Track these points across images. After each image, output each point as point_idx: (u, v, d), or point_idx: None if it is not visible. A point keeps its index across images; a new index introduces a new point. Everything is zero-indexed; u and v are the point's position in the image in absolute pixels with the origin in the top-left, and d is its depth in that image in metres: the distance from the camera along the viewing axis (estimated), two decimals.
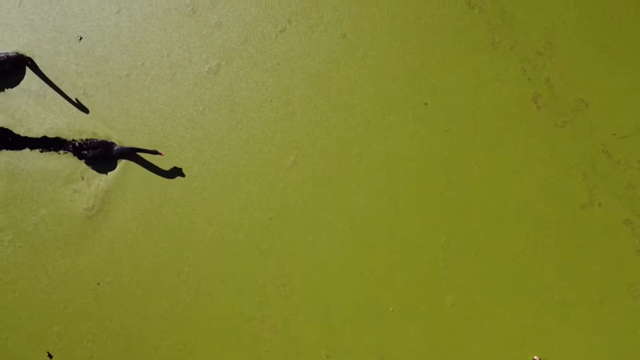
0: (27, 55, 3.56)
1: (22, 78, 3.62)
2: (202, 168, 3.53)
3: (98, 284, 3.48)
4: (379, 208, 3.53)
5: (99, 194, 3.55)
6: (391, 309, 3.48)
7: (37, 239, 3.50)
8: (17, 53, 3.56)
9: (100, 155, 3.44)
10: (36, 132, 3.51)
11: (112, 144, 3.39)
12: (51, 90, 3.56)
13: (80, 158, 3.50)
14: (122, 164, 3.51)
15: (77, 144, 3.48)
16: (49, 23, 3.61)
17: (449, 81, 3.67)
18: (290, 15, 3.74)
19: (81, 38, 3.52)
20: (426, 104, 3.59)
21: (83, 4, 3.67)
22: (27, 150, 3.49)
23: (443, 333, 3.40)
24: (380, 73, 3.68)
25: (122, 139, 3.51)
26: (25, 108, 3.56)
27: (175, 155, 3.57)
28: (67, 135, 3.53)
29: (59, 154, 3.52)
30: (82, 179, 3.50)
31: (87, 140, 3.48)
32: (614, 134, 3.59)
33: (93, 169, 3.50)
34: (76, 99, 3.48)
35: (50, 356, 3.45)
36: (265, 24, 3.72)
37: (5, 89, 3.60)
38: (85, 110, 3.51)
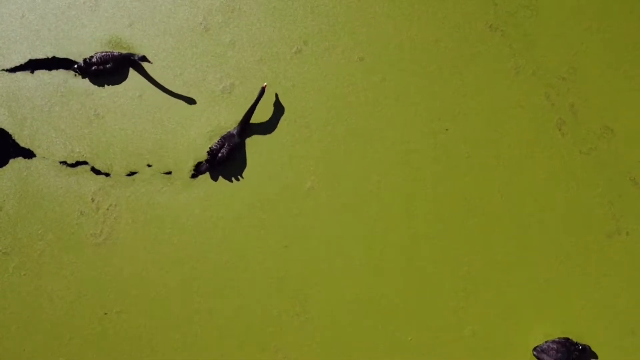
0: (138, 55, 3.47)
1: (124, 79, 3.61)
2: (215, 194, 3.54)
3: (105, 314, 3.38)
4: (397, 236, 3.41)
5: (107, 219, 3.49)
6: (409, 338, 3.39)
7: (42, 267, 3.42)
8: (125, 53, 3.49)
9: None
10: None
11: None
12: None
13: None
14: (132, 190, 3.48)
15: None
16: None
17: (469, 107, 3.61)
18: (306, 37, 3.69)
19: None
20: (447, 129, 3.55)
21: (95, 19, 3.66)
22: (40, 161, 3.39)
23: None
24: (399, 98, 3.61)
25: (134, 162, 3.47)
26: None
27: (188, 178, 3.54)
28: None
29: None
30: (92, 200, 3.45)
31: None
32: None
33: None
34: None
35: None
36: (280, 44, 3.66)
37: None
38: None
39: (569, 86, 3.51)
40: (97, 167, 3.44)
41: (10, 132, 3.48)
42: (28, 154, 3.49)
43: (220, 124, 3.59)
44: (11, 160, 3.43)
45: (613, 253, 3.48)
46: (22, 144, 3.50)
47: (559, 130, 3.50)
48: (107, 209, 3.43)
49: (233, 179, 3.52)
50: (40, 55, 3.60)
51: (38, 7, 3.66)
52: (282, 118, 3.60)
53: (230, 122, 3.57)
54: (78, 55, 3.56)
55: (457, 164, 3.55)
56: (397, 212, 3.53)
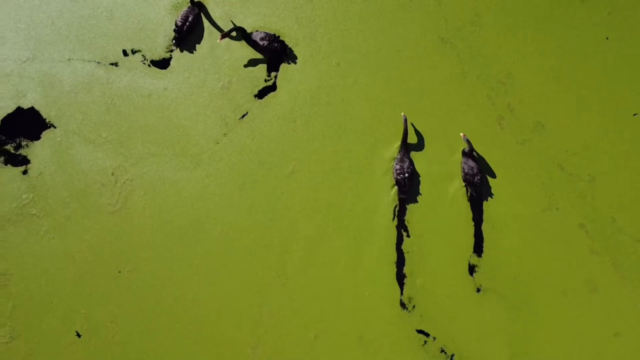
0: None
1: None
2: (213, 175, 4.13)
3: (119, 272, 4.01)
4: (365, 208, 4.05)
5: (123, 191, 4.13)
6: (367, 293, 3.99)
7: (67, 231, 4.03)
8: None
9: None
10: None
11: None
12: None
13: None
14: (146, 168, 4.18)
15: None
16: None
17: (425, 104, 4.30)
18: (293, 43, 4.41)
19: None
20: (411, 124, 4.27)
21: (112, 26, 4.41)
22: (68, 137, 4.08)
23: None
24: (367, 97, 4.31)
25: (148, 145, 4.19)
26: None
27: (191, 163, 4.25)
28: None
29: None
30: (112, 174, 4.11)
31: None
32: (566, 151, 4.19)
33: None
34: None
35: (78, 335, 3.98)
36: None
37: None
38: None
39: (506, 89, 4.20)
40: (118, 146, 4.11)
41: (41, 112, 4.18)
42: (58, 131, 4.18)
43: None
44: (44, 135, 4.12)
45: (547, 225, 4.13)
46: (52, 122, 4.19)
47: (499, 124, 4.17)
48: (124, 183, 4.09)
49: (226, 162, 4.20)
50: (68, 54, 4.33)
51: (65, 15, 4.45)
52: (274, 113, 4.30)
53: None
54: (101, 56, 4.31)
55: (415, 148, 4.25)
56: (365, 189, 4.16)
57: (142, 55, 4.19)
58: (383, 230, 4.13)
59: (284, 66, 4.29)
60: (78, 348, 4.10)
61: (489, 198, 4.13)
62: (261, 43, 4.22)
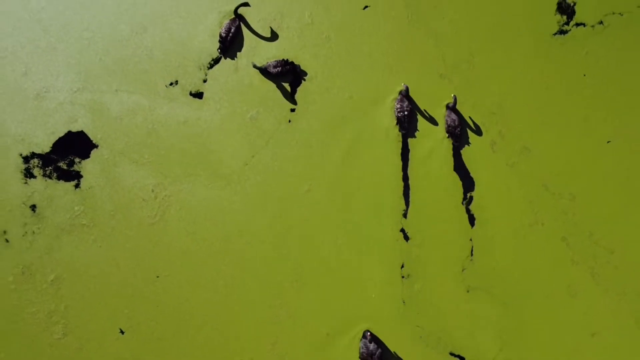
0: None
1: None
2: (240, 194, 4.59)
3: (157, 277, 4.51)
4: (371, 223, 4.57)
5: (161, 206, 4.65)
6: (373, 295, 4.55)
7: (113, 240, 4.55)
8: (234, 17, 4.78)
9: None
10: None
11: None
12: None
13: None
14: (182, 186, 4.68)
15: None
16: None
17: (430, 129, 4.88)
18: (311, 77, 4.95)
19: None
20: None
21: (153, 63, 5.06)
22: (114, 157, 4.58)
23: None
24: (375, 126, 4.87)
25: (180, 175, 4.68)
26: None
27: (221, 183, 4.65)
28: None
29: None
30: (152, 191, 4.66)
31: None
32: (550, 172, 4.73)
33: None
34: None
35: (122, 332, 4.46)
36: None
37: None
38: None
39: (497, 118, 4.73)
40: (158, 166, 4.59)
41: (90, 135, 4.64)
42: (105, 151, 4.64)
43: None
44: (93, 154, 4.57)
45: (533, 237, 4.64)
46: (100, 144, 4.65)
47: (491, 149, 4.70)
48: (163, 198, 4.59)
49: (251, 181, 4.73)
50: (115, 86, 4.77)
51: (111, 52, 4.96)
52: (294, 138, 4.81)
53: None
54: (143, 88, 4.81)
55: (415, 167, 4.79)
56: (371, 199, 4.62)
57: (180, 87, 4.73)
58: (387, 242, 4.73)
59: (302, 98, 4.82)
60: (122, 343, 4.61)
61: (482, 212, 4.71)
62: (274, 71, 4.74)
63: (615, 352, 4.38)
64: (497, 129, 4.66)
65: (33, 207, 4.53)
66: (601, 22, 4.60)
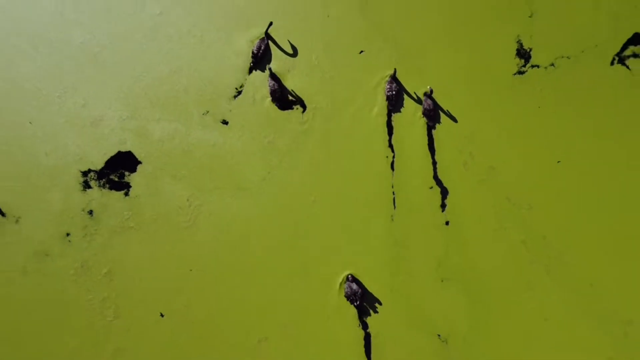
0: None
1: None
2: (258, 204, 5.51)
3: (190, 270, 5.45)
4: (372, 218, 5.59)
5: (194, 212, 5.60)
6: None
7: (155, 241, 5.47)
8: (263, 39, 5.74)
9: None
10: None
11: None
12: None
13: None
14: (213, 197, 5.64)
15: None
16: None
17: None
18: (314, 106, 5.94)
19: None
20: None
21: (189, 97, 6.07)
22: (156, 171, 5.54)
23: None
24: (371, 147, 5.86)
25: (210, 187, 5.70)
26: None
27: (243, 195, 5.63)
28: None
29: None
30: (187, 200, 5.60)
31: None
32: (512, 187, 5.66)
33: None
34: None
35: (162, 315, 5.40)
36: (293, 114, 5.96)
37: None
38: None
39: (469, 142, 5.59)
40: (192, 180, 5.50)
41: (136, 154, 5.56)
42: (149, 167, 5.57)
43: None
44: (139, 169, 5.51)
45: (497, 240, 5.56)
46: (144, 161, 5.59)
47: (464, 167, 5.64)
48: (195, 207, 5.53)
49: (265, 195, 5.68)
50: (157, 115, 5.66)
51: (154, 88, 5.92)
52: (303, 158, 5.74)
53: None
54: (180, 117, 5.68)
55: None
56: (372, 208, 5.51)
57: (210, 116, 5.69)
58: (377, 244, 5.72)
59: (310, 124, 5.78)
60: (162, 325, 5.52)
61: (456, 218, 5.65)
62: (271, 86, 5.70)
63: (564, 333, 5.27)
64: (468, 151, 5.58)
65: (90, 212, 5.49)
66: (552, 64, 5.55)
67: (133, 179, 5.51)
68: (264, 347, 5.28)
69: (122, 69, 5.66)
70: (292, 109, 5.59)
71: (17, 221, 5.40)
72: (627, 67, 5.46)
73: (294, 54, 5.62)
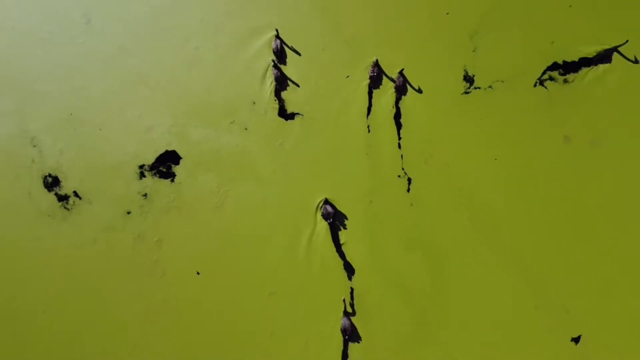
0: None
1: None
2: (271, 191, 7.28)
3: (220, 240, 7.17)
4: (355, 201, 7.37)
5: (222, 197, 7.28)
6: None
7: (191, 216, 7.10)
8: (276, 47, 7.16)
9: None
10: None
11: None
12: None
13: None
14: (238, 184, 7.41)
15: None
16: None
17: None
18: (316, 118, 7.71)
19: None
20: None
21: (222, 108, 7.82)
22: (201, 167, 7.40)
23: None
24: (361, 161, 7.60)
25: (234, 177, 7.48)
26: None
27: (257, 183, 7.43)
28: None
29: None
30: (217, 187, 7.27)
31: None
32: (462, 179, 7.40)
33: None
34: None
35: (198, 273, 6.97)
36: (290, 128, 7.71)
37: None
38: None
39: (428, 145, 7.40)
40: (221, 171, 7.03)
41: (180, 152, 7.19)
42: (189, 162, 7.20)
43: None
44: (181, 163, 7.09)
45: (450, 221, 7.27)
46: (185, 157, 7.29)
47: (425, 163, 7.31)
48: (223, 192, 7.22)
49: (281, 184, 7.37)
50: (194, 123, 7.56)
51: (193, 102, 7.75)
52: (303, 156, 7.51)
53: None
54: (213, 125, 7.54)
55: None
56: (353, 198, 7.37)
57: (236, 124, 7.39)
58: (360, 213, 7.37)
59: (308, 131, 7.54)
60: (199, 281, 6.58)
61: (418, 203, 7.36)
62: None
63: (513, 321, 6.65)
64: (428, 152, 7.19)
65: (145, 195, 7.07)
66: (490, 87, 7.12)
67: (177, 170, 7.16)
68: (274, 299, 6.96)
69: (167, 88, 7.38)
70: (294, 119, 7.32)
71: (90, 202, 7.11)
72: (545, 87, 7.13)
73: (299, 54, 7.28)
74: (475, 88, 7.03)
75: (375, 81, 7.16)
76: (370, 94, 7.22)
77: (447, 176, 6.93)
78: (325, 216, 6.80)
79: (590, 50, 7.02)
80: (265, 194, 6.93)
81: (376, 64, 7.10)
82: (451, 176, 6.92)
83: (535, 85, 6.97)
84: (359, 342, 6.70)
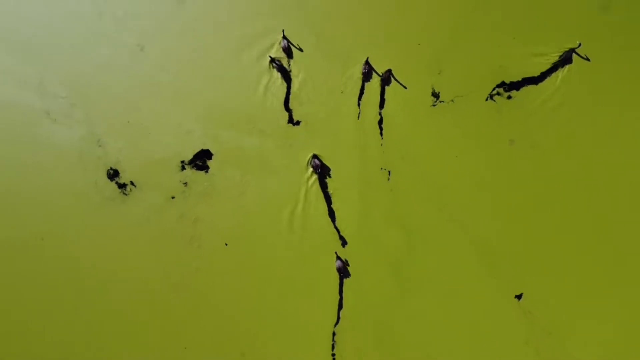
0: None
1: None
2: (285, 180, 9.37)
3: (246, 212, 9.14)
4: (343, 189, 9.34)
5: (244, 185, 9.26)
6: None
7: (221, 200, 9.05)
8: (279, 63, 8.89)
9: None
10: None
11: None
12: None
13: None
14: (254, 178, 9.43)
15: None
16: None
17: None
18: (320, 118, 9.72)
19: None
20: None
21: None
22: (230, 164, 9.44)
23: None
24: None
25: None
26: None
27: (274, 176, 9.47)
28: None
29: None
30: (240, 178, 9.23)
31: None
32: (427, 173, 9.41)
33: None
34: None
35: (226, 244, 9.05)
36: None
37: None
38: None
39: (399, 151, 9.43)
40: (243, 166, 9.32)
41: (211, 149, 9.16)
42: (220, 156, 9.37)
43: None
44: (213, 158, 9.21)
45: (421, 203, 9.27)
46: (215, 154, 9.41)
47: (402, 159, 9.34)
48: (245, 182, 9.05)
49: (291, 173, 9.39)
50: (223, 129, 9.60)
51: (221, 114, 9.78)
52: (306, 154, 9.53)
53: None
54: (236, 130, 9.59)
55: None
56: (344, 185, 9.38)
57: (256, 130, 9.43)
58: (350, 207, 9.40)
59: (309, 136, 9.56)
60: (227, 251, 9.03)
61: (397, 188, 9.36)
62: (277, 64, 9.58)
63: (466, 280, 8.65)
64: (405, 150, 9.32)
65: (185, 184, 8.94)
66: (452, 100, 9.01)
67: (210, 164, 9.00)
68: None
69: (202, 101, 9.36)
70: (299, 125, 9.34)
71: (142, 190, 9.05)
72: (494, 101, 9.16)
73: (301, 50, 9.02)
74: (440, 102, 9.02)
75: (366, 76, 8.93)
76: (362, 85, 9.15)
77: (419, 169, 8.94)
78: (315, 167, 8.60)
79: (534, 71, 9.06)
80: (278, 184, 8.94)
81: (367, 63, 8.86)
82: (422, 169, 8.94)
83: (486, 100, 8.99)
84: (349, 278, 8.75)
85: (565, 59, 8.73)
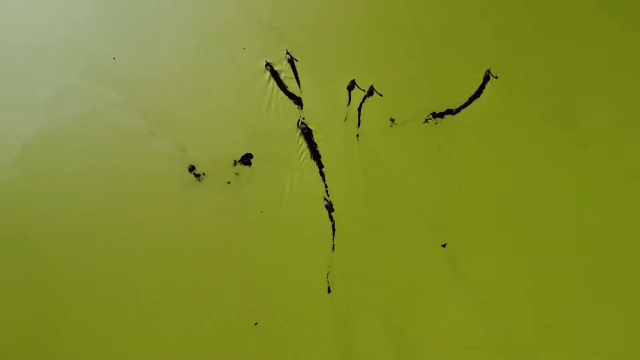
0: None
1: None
2: (295, 168, 14.45)
3: (261, 212, 14.23)
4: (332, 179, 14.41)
5: (272, 177, 14.16)
6: None
7: (259, 185, 13.02)
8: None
9: None
10: None
11: None
12: None
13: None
14: (275, 171, 14.54)
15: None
16: None
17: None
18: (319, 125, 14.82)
19: None
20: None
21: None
22: (264, 163, 14.50)
23: None
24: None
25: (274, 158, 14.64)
26: None
27: (286, 167, 14.58)
28: None
29: None
30: (270, 171, 14.26)
31: None
32: (400, 174, 14.39)
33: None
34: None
35: (262, 212, 14.09)
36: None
37: None
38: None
39: (369, 160, 14.33)
40: (272, 164, 14.12)
41: (252, 153, 13.86)
42: (258, 159, 13.85)
43: None
44: (253, 161, 13.97)
45: (401, 185, 14.35)
46: (253, 154, 14.14)
47: (375, 160, 14.32)
48: (272, 174, 14.02)
49: (300, 165, 14.47)
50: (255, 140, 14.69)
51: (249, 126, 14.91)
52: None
53: None
54: (257, 140, 14.67)
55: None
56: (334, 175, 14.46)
57: (274, 137, 14.15)
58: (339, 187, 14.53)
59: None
60: (262, 219, 14.16)
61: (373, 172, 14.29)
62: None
63: (424, 259, 12.08)
64: (372, 157, 14.32)
65: (237, 174, 12.86)
66: (403, 123, 12.57)
67: (252, 162, 11.85)
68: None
69: (245, 121, 14.46)
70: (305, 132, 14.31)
71: (209, 178, 13.47)
72: (428, 122, 14.17)
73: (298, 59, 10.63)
74: (395, 124, 13.05)
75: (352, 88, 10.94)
76: (349, 92, 11.35)
77: (386, 167, 13.92)
78: (303, 129, 10.79)
79: (455, 101, 14.02)
80: (293, 177, 13.48)
81: (353, 83, 10.85)
82: (387, 166, 13.99)
83: (424, 123, 13.78)
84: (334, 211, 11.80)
85: (484, 79, 12.86)
